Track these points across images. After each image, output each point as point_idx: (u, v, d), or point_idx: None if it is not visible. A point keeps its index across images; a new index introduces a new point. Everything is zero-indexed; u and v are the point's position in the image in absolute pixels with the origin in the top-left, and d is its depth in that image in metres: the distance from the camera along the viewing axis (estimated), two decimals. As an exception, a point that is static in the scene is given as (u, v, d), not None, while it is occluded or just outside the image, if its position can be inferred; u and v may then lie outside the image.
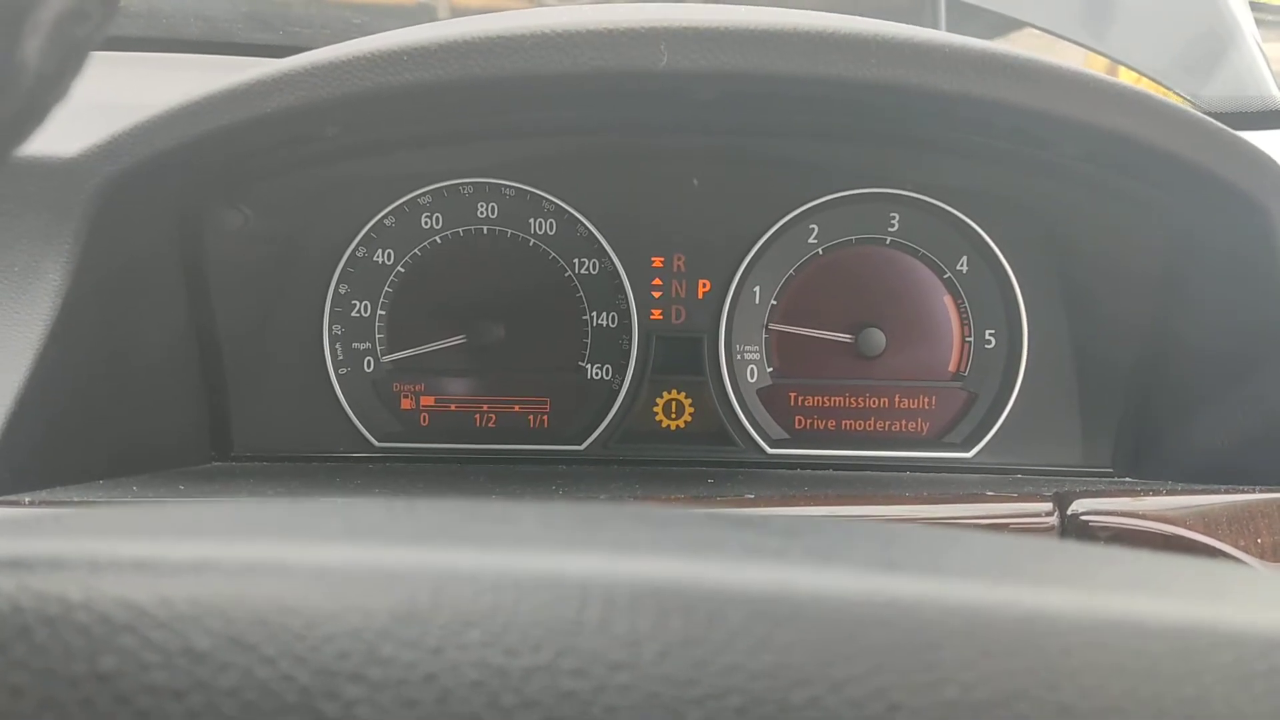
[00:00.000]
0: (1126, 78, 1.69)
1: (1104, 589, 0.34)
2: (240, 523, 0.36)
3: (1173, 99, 1.42)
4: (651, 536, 0.36)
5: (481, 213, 1.13)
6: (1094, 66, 1.93)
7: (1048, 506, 0.88)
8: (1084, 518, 0.87)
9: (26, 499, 0.79)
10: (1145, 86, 1.52)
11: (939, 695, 0.30)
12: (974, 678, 0.31)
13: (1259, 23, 1.54)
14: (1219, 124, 0.90)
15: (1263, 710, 0.32)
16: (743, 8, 0.87)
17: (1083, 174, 1.01)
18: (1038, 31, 1.67)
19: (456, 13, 2.10)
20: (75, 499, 0.81)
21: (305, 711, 0.30)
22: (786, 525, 0.39)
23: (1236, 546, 0.86)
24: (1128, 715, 0.31)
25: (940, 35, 0.84)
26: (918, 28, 0.86)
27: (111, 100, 0.93)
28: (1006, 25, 2.11)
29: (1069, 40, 1.57)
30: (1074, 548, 0.39)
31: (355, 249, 1.11)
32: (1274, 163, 0.91)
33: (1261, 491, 0.90)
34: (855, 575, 0.34)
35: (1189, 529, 0.86)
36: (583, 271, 1.14)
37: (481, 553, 0.33)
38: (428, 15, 2.12)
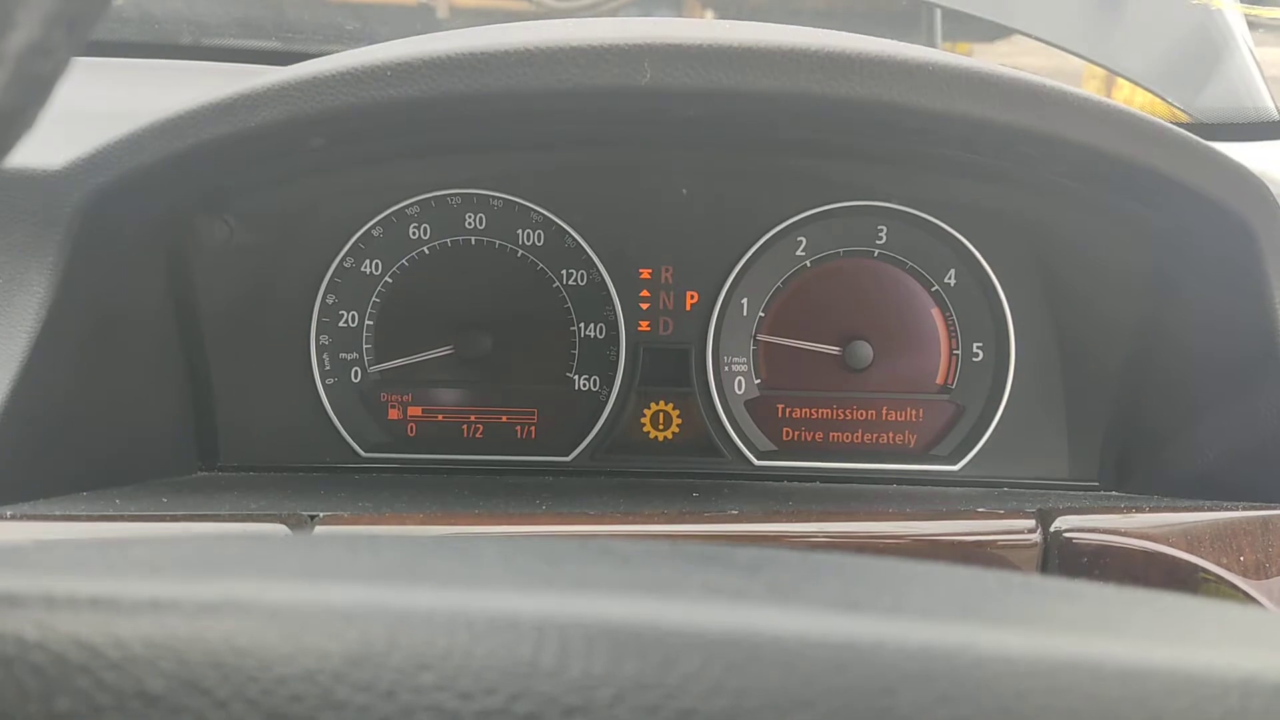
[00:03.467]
0: (1121, 86, 1.69)
1: (1060, 631, 0.34)
2: (198, 560, 0.36)
3: (1166, 109, 1.42)
4: (611, 576, 0.36)
5: (469, 223, 1.13)
6: (1090, 75, 1.94)
7: (1030, 523, 0.88)
8: (1067, 535, 0.87)
9: (8, 512, 0.79)
10: (1139, 96, 1.52)
11: (892, 741, 0.30)
12: (929, 723, 0.31)
13: (1252, 26, 1.54)
14: (1203, 140, 0.90)
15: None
16: (728, 23, 0.87)
17: (1070, 189, 1.01)
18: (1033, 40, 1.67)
19: (456, 12, 2.09)
20: (57, 512, 0.81)
21: (257, 755, 0.30)
22: (750, 560, 0.39)
23: (1219, 564, 0.86)
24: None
25: (925, 52, 0.84)
26: (903, 44, 0.86)
27: (102, 108, 0.93)
28: (1002, 34, 2.11)
29: (1065, 50, 1.57)
30: (1033, 583, 0.39)
31: (343, 259, 1.11)
32: (1258, 178, 0.91)
33: (1244, 509, 0.90)
34: (813, 617, 0.34)
35: (1172, 546, 0.86)
36: (570, 283, 1.14)
37: (437, 593, 0.33)
38: (427, 14, 2.11)
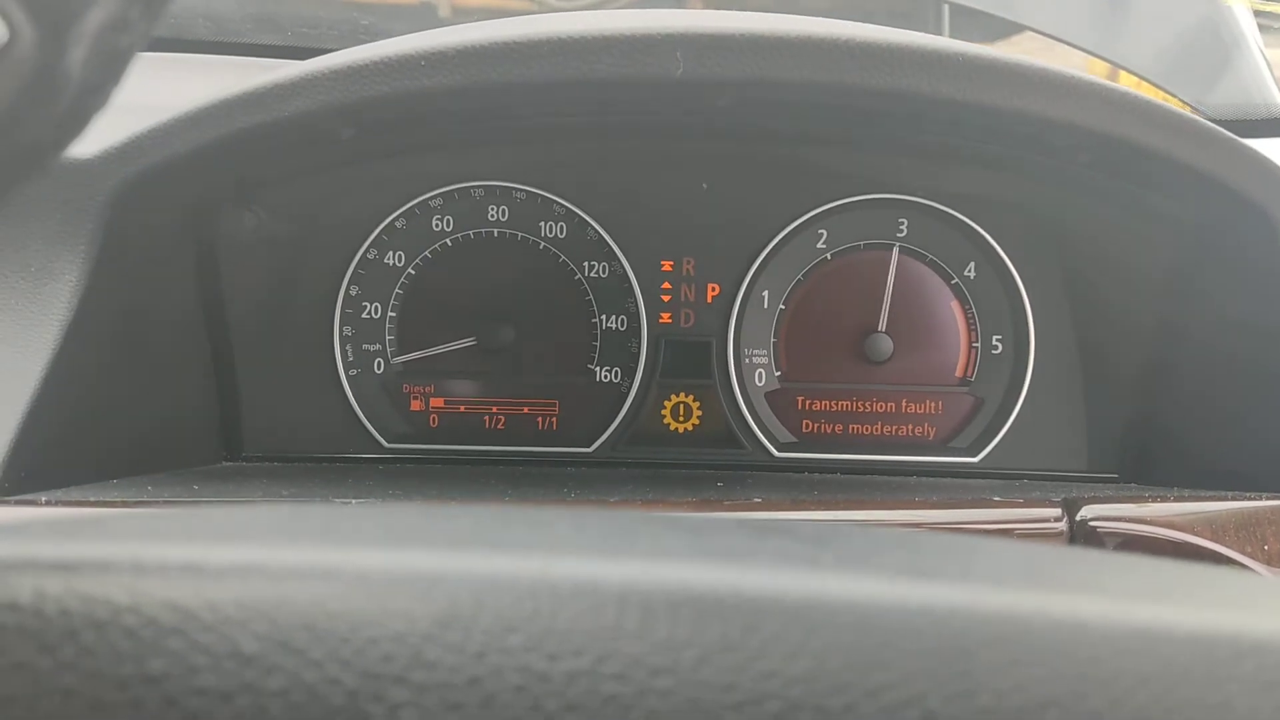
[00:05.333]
0: (1128, 83, 1.69)
1: (1131, 597, 0.35)
2: (284, 526, 0.36)
3: (1176, 106, 1.43)
4: (687, 543, 0.36)
5: (492, 215, 1.13)
6: (1096, 72, 1.94)
7: (1056, 512, 0.88)
8: (1093, 524, 0.87)
9: (42, 498, 0.80)
10: (1148, 93, 1.53)
11: (973, 703, 0.31)
12: (1006, 686, 0.32)
13: (1263, 29, 1.54)
14: (1226, 132, 0.91)
15: (1286, 718, 0.32)
16: (756, 15, 0.88)
17: (1091, 180, 1.01)
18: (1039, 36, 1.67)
19: (457, 12, 2.10)
20: (91, 499, 0.82)
21: (351, 713, 0.30)
22: (816, 533, 0.39)
23: (1243, 553, 0.86)
24: (1155, 723, 0.32)
25: (952, 44, 0.85)
26: (928, 35, 0.86)
27: (117, 100, 0.93)
28: (1009, 30, 2.11)
29: (1072, 45, 1.58)
30: (1100, 555, 0.40)
31: (366, 251, 1.12)
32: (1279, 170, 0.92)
33: (1268, 498, 0.90)
34: (889, 583, 0.34)
35: (1196, 535, 0.87)
36: (592, 274, 1.14)
37: (522, 558, 0.34)
38: (429, 14, 2.12)
